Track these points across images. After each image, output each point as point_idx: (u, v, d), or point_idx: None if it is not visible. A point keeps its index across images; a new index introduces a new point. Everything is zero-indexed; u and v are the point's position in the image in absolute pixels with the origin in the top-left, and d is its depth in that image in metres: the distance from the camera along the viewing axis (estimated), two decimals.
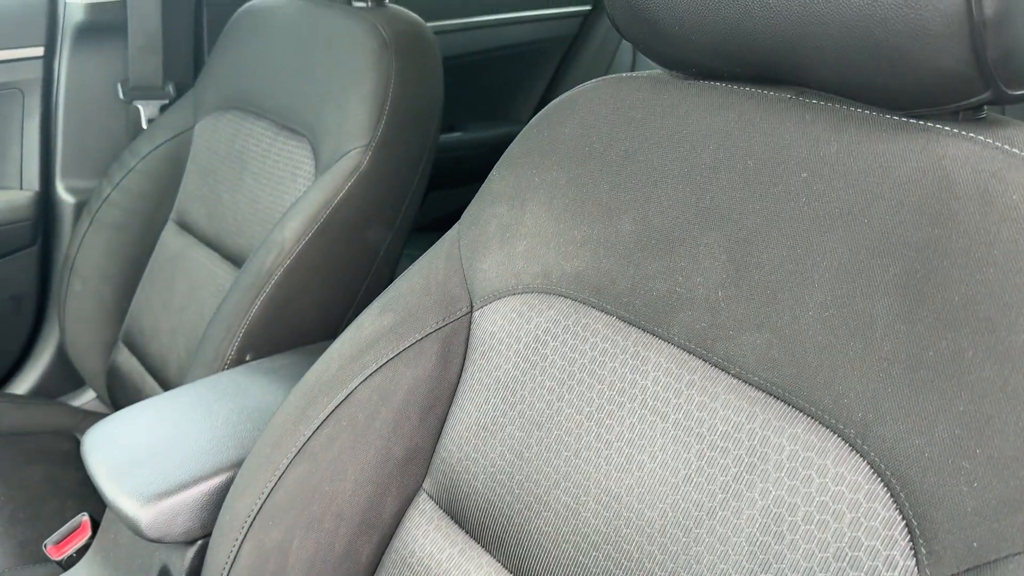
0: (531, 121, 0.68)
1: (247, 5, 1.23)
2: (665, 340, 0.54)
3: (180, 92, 1.33)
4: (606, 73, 1.88)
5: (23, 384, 1.39)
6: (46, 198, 1.35)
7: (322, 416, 0.65)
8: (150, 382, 1.19)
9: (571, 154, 0.63)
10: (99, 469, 0.73)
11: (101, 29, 1.29)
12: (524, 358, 0.61)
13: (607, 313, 0.57)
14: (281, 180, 1.08)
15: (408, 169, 1.02)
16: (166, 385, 1.15)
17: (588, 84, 0.65)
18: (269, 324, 0.94)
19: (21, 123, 1.31)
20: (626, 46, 1.85)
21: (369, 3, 1.09)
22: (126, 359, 1.25)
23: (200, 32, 1.40)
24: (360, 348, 0.66)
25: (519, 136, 0.69)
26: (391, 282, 1.01)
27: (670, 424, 0.52)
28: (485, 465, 0.61)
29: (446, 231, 0.71)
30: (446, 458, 0.64)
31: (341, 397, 0.65)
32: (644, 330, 0.55)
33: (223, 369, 0.93)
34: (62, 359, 1.40)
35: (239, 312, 0.93)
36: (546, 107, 0.68)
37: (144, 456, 0.73)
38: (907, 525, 0.42)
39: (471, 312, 0.65)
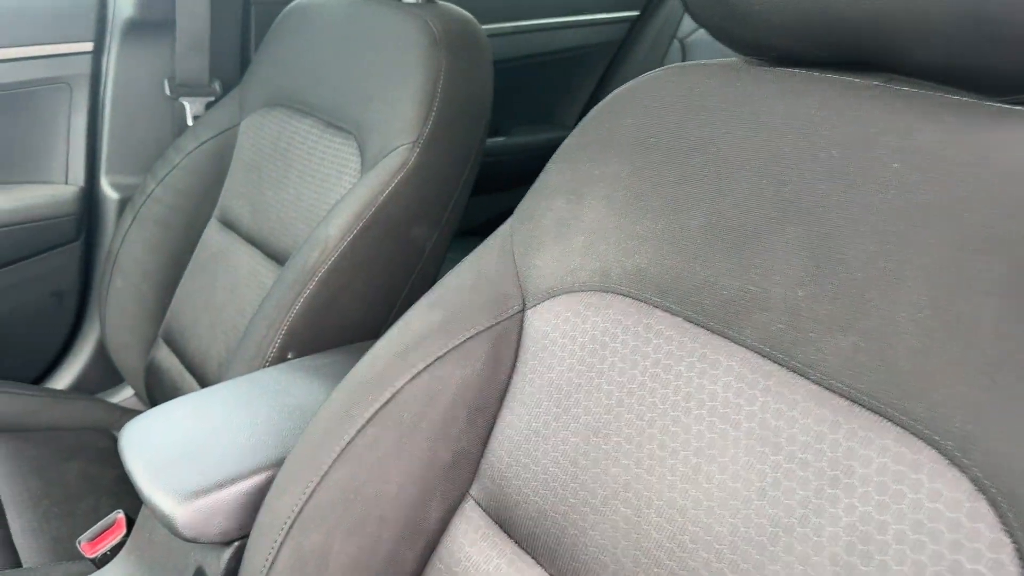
0: (590, 113, 0.65)
1: (295, 2, 1.22)
2: (737, 343, 0.50)
3: (226, 89, 1.32)
4: None
5: (62, 379, 1.39)
6: (90, 193, 1.35)
7: (367, 415, 0.62)
8: (189, 380, 1.17)
9: (633, 145, 0.59)
10: (136, 465, 0.71)
11: (149, 25, 1.29)
12: (580, 360, 0.57)
13: (672, 313, 0.54)
14: (326, 178, 1.06)
15: (455, 167, 0.99)
16: (204, 383, 1.13)
17: (652, 73, 0.62)
18: (312, 322, 0.92)
19: (68, 118, 1.31)
20: (675, 52, 1.81)
21: (420, 0, 1.07)
22: (165, 356, 1.24)
23: (247, 29, 1.39)
24: (407, 346, 0.64)
25: (577, 128, 0.66)
26: (436, 282, 0.99)
27: (743, 433, 0.49)
28: (537, 472, 0.58)
29: (488, 236, 0.68)
30: (495, 463, 0.61)
31: (386, 396, 0.62)
32: (713, 332, 0.52)
33: (264, 367, 0.90)
34: (102, 355, 1.39)
35: (282, 309, 0.91)
36: (606, 99, 0.65)
37: (182, 453, 0.71)
38: (1017, 549, 0.38)
39: (523, 311, 0.62)
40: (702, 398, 0.51)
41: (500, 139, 1.76)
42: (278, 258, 1.10)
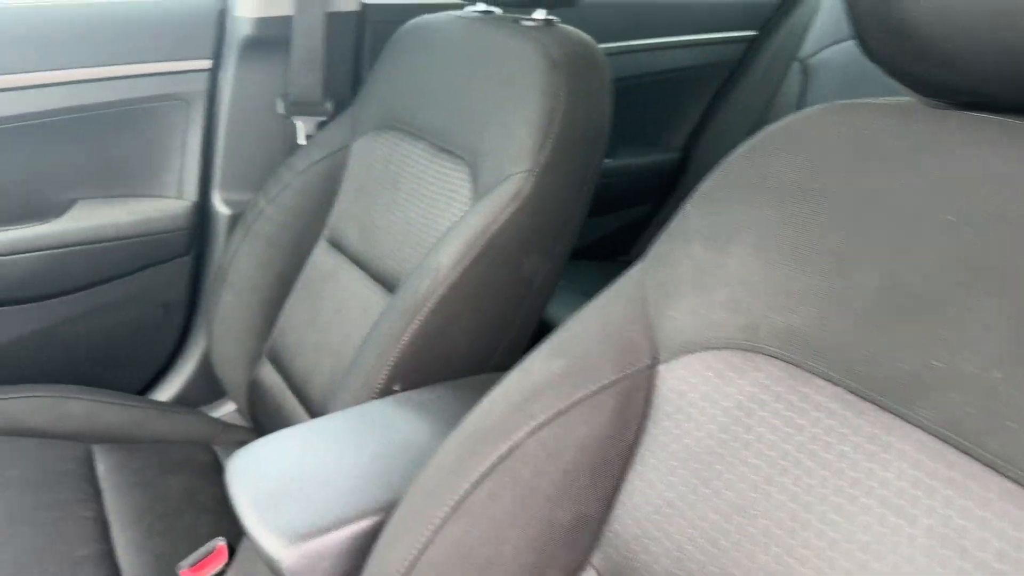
0: (737, 151, 0.60)
1: (410, 23, 1.21)
2: (913, 424, 0.44)
3: (339, 109, 1.32)
4: (769, 104, 1.77)
5: (166, 391, 1.42)
6: (202, 209, 1.37)
7: (482, 469, 0.58)
8: (291, 400, 1.17)
9: (790, 190, 0.54)
10: (242, 499, 0.70)
11: (266, 43, 1.30)
12: (723, 427, 0.52)
13: (833, 383, 0.48)
14: (436, 203, 1.03)
15: (571, 196, 0.95)
16: (307, 404, 1.12)
17: (812, 110, 0.56)
18: (420, 353, 0.89)
19: (184, 134, 1.33)
20: (794, 74, 1.73)
21: (538, 22, 1.04)
22: (269, 374, 1.24)
23: (360, 48, 1.39)
24: (527, 395, 0.60)
25: (720, 168, 0.61)
26: (545, 313, 0.94)
27: (921, 531, 0.42)
28: (669, 548, 0.53)
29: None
30: (620, 532, 0.56)
31: (504, 449, 0.58)
32: (884, 409, 0.45)
33: (371, 398, 0.88)
34: (205, 369, 1.41)
35: (391, 339, 0.88)
36: (756, 137, 0.59)
37: (289, 489, 0.69)
38: None
39: (655, 365, 0.57)
40: (871, 485, 0.45)
41: (605, 160, 1.71)
42: (385, 282, 1.09)
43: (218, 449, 1.27)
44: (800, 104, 1.69)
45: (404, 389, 0.88)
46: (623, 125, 1.79)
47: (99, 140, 1.28)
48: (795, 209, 0.53)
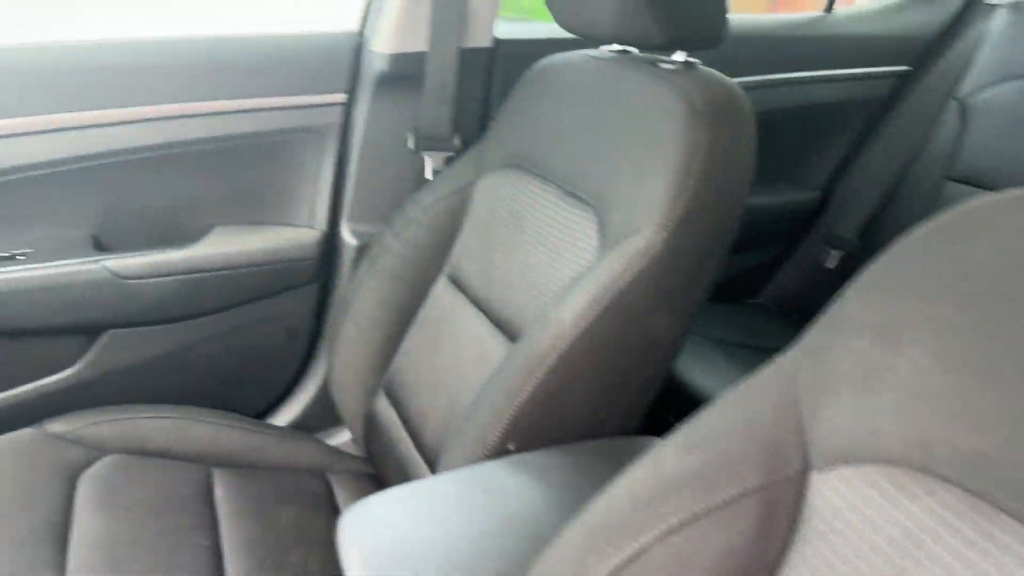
0: (912, 234, 0.53)
1: (543, 61, 1.18)
2: None
3: (466, 145, 1.31)
4: (921, 146, 1.64)
5: (284, 416, 1.44)
6: (330, 238, 1.39)
7: (603, 571, 0.53)
8: (405, 438, 1.15)
9: (979, 288, 0.47)
10: (353, 559, 0.68)
11: (399, 79, 1.30)
12: (887, 559, 0.45)
13: None
14: (560, 250, 1.00)
15: (705, 255, 0.89)
16: (421, 445, 1.11)
17: (1004, 195, 0.49)
18: (537, 413, 0.85)
19: (317, 165, 1.35)
20: (950, 114, 1.59)
21: (678, 64, 0.99)
22: (384, 408, 1.23)
23: (490, 85, 1.38)
24: (657, 492, 0.55)
25: (890, 252, 0.54)
26: (666, 376, 0.89)
27: None
28: None
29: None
30: None
31: (629, 552, 0.53)
32: None
33: (485, 455, 0.85)
34: (324, 396, 1.42)
35: (509, 395, 0.85)
36: (937, 220, 0.52)
37: (399, 557, 0.67)
38: None
39: (807, 472, 0.51)
40: None
41: None
42: (502, 326, 1.06)
43: (332, 478, 1.28)
44: (957, 147, 1.55)
45: (519, 449, 0.84)
46: (758, 160, 1.71)
47: (236, 169, 1.32)
48: (983, 310, 0.46)
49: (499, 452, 0.85)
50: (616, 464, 0.85)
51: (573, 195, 1.01)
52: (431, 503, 0.73)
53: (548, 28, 1.56)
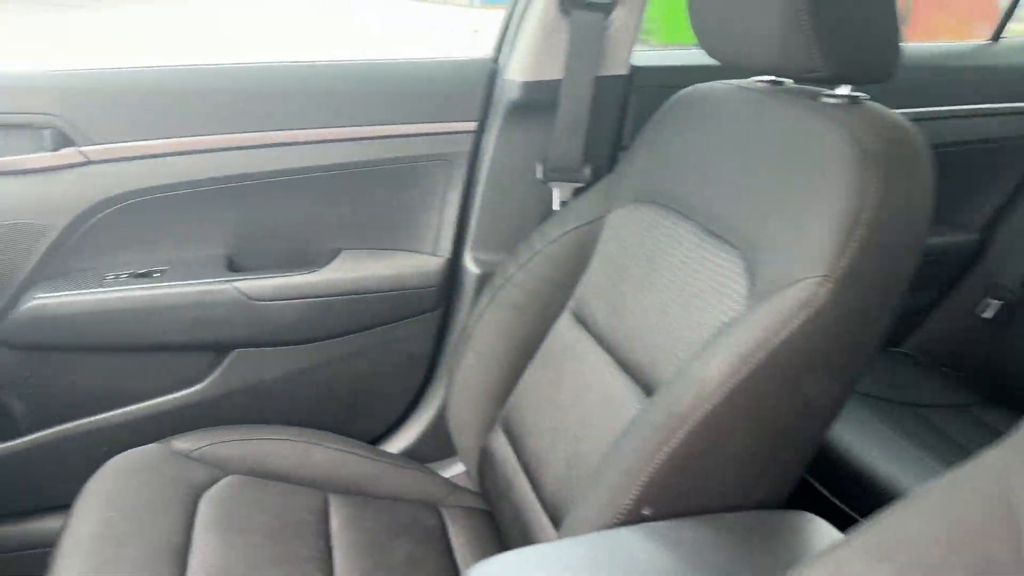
0: None
1: (685, 91, 1.11)
2: None
3: (596, 176, 1.26)
4: None
5: (398, 443, 1.42)
6: (454, 266, 1.37)
7: None
8: (523, 481, 1.11)
9: None
10: None
11: (531, 107, 1.27)
12: None
13: None
14: (700, 295, 0.93)
15: (872, 311, 0.80)
16: (541, 492, 1.06)
17: None
18: (675, 476, 0.78)
19: (444, 193, 1.34)
20: None
21: (842, 99, 0.90)
22: (501, 445, 1.19)
23: (623, 115, 1.32)
24: None
25: None
26: (820, 446, 0.80)
27: None
28: None
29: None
30: None
31: None
32: None
33: (616, 518, 0.79)
34: (438, 426, 1.40)
35: (644, 455, 0.79)
36: None
37: None
38: None
39: None
40: None
41: None
42: (630, 370, 1.00)
43: (444, 512, 1.24)
44: None
45: (655, 515, 0.78)
46: None
47: (366, 194, 1.32)
48: None
49: (632, 516, 0.79)
50: (764, 541, 0.77)
51: (717, 236, 0.94)
52: (560, 572, 0.68)
53: (683, 55, 1.49)
